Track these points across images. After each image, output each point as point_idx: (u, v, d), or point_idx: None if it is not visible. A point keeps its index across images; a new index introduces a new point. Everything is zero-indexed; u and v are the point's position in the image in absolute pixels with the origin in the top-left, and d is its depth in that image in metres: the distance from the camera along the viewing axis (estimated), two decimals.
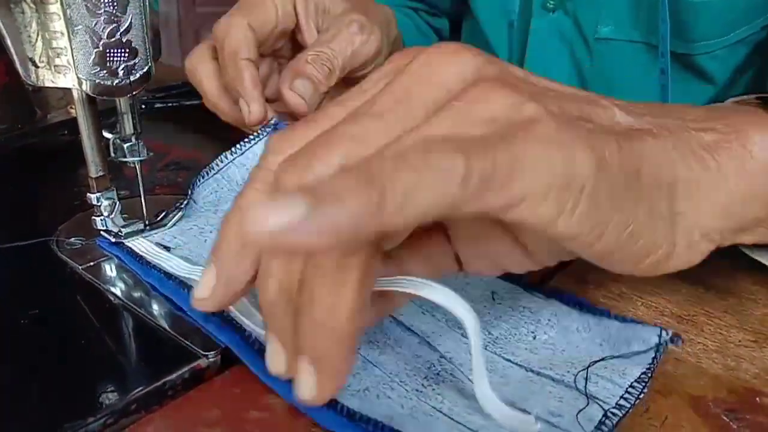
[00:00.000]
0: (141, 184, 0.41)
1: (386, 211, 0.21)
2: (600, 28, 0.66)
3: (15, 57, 0.36)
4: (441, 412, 0.29)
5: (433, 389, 0.30)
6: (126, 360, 0.32)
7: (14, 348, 0.33)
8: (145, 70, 0.38)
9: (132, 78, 0.37)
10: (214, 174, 0.45)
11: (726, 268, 0.41)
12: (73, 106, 0.62)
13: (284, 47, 0.57)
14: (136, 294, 0.37)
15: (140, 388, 0.30)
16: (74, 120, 0.58)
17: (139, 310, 0.35)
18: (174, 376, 0.30)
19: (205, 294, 0.30)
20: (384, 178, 0.22)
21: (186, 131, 0.62)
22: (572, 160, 0.25)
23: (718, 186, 0.31)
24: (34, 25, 0.35)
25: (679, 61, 0.64)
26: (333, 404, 0.28)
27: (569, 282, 0.39)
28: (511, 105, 0.26)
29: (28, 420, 0.28)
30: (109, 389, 0.30)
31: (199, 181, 0.45)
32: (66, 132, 0.58)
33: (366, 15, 0.54)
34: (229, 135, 0.61)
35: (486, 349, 0.33)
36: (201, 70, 0.53)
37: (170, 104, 0.66)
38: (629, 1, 0.64)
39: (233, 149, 0.46)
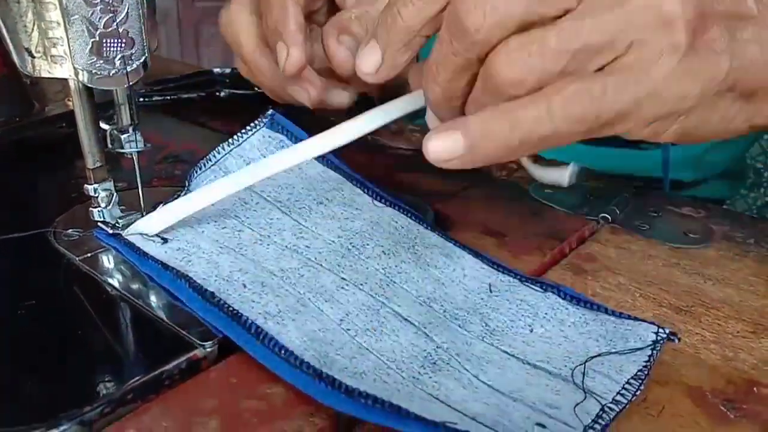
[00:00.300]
0: (138, 176, 0.41)
1: None
2: None
3: (11, 47, 0.36)
4: (438, 399, 0.29)
5: (430, 377, 0.30)
6: (123, 350, 0.32)
7: (11, 338, 0.33)
8: (141, 60, 0.38)
9: (129, 68, 0.37)
10: (212, 165, 0.45)
11: (725, 259, 0.41)
12: (71, 99, 0.62)
13: (320, 11, 0.53)
14: (134, 285, 0.37)
15: (137, 378, 0.30)
16: (72, 112, 0.59)
17: (136, 300, 0.35)
18: (171, 366, 0.30)
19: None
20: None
21: (184, 124, 0.62)
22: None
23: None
24: (30, 14, 0.35)
25: None
26: (331, 382, 0.28)
27: (567, 273, 0.39)
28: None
29: (25, 409, 0.28)
30: (106, 379, 0.30)
31: (197, 172, 0.45)
32: (64, 124, 0.58)
33: None
34: (227, 128, 0.61)
35: (483, 340, 0.33)
36: (240, 21, 0.49)
37: (169, 97, 0.66)
38: None
39: (230, 140, 0.46)
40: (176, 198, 0.42)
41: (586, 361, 0.31)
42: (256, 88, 0.69)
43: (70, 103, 0.60)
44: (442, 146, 0.30)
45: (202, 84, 0.69)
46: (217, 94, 0.67)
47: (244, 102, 0.68)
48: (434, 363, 0.31)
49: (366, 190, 0.45)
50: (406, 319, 0.34)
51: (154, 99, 0.65)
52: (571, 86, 0.29)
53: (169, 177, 0.50)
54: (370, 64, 0.35)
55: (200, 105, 0.67)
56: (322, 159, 0.46)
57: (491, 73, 0.30)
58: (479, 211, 0.45)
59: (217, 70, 0.73)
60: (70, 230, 0.42)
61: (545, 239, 0.42)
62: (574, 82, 0.29)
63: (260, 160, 0.42)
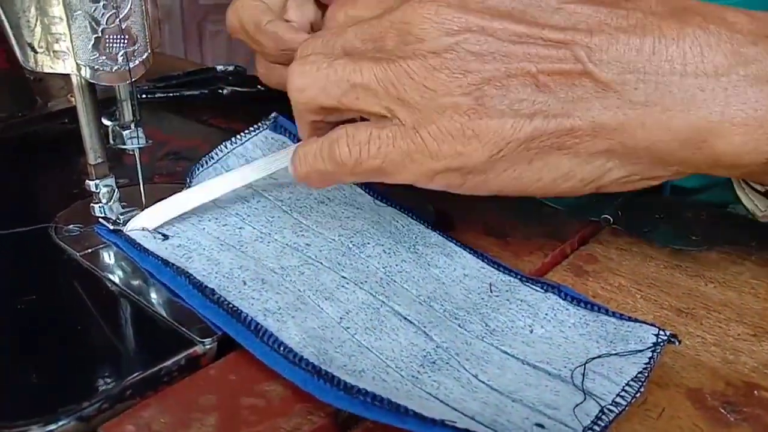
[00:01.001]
0: (140, 172, 0.41)
1: None
2: None
3: (14, 42, 0.36)
4: (437, 398, 0.29)
5: (429, 376, 0.30)
6: (122, 346, 0.32)
7: (10, 333, 0.33)
8: (144, 57, 0.38)
9: (131, 64, 0.37)
10: (213, 163, 0.45)
11: (726, 261, 0.40)
12: (74, 95, 0.62)
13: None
14: (134, 281, 0.37)
15: (136, 374, 0.29)
16: (75, 108, 0.59)
17: (136, 296, 0.35)
18: (170, 362, 0.30)
19: None
20: None
21: (186, 121, 0.62)
22: (460, 156, 0.32)
23: (668, 146, 0.32)
24: (33, 10, 0.35)
25: None
26: (330, 379, 0.28)
27: (567, 274, 0.39)
28: (441, 87, 0.31)
29: (24, 404, 0.28)
30: (104, 375, 0.30)
31: (198, 169, 0.45)
32: (67, 120, 0.58)
33: None
34: (229, 125, 0.61)
35: (483, 340, 0.33)
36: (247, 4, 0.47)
37: (171, 94, 0.66)
38: None
39: (233, 139, 0.46)
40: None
41: (586, 362, 0.31)
42: (258, 86, 0.69)
43: (73, 100, 0.60)
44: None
45: (205, 81, 0.69)
46: (220, 91, 0.67)
47: (247, 100, 0.68)
48: (434, 362, 0.31)
49: (367, 190, 0.45)
50: (405, 318, 0.34)
51: (157, 96, 0.65)
52: (339, 131, 0.34)
53: (171, 174, 0.50)
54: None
55: (203, 102, 0.67)
56: None
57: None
58: (480, 211, 0.45)
59: (220, 67, 0.73)
60: (71, 225, 0.42)
61: (547, 240, 0.42)
62: (345, 128, 0.34)
63: (261, 159, 0.42)
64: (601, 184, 0.34)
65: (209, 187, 0.41)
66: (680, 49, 0.31)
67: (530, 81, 0.31)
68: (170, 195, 0.42)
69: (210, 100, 0.67)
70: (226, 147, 0.46)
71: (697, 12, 0.32)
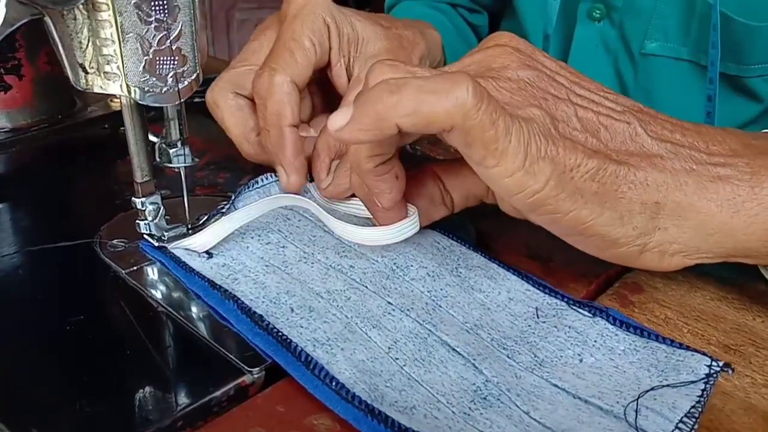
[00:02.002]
0: (185, 189, 0.41)
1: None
2: (647, 42, 0.64)
3: (65, 62, 0.36)
4: None
5: (481, 413, 0.30)
6: (171, 373, 0.32)
7: (59, 357, 0.33)
8: (193, 77, 0.38)
9: (181, 85, 0.37)
10: (258, 188, 0.46)
11: None
12: (114, 99, 0.62)
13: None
14: (180, 302, 0.37)
15: (186, 405, 0.30)
16: (115, 114, 0.59)
17: (183, 320, 0.35)
18: (219, 392, 0.31)
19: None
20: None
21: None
22: (540, 160, 0.33)
23: (711, 216, 0.35)
24: (85, 31, 0.35)
25: (727, 82, 0.62)
26: (384, 419, 0.28)
27: (613, 304, 0.39)
28: (523, 101, 0.35)
29: None
30: (155, 404, 0.30)
31: (243, 191, 0.45)
32: (107, 126, 0.58)
33: (404, 53, 0.52)
34: None
35: (533, 372, 0.33)
36: (225, 106, 0.48)
37: None
38: (680, 16, 0.62)
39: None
40: (220, 212, 0.42)
41: (639, 397, 0.31)
42: None
43: (113, 104, 0.61)
44: (338, 118, 0.33)
45: None
46: None
47: None
48: (485, 398, 0.31)
49: None
50: (454, 350, 0.33)
51: (195, 101, 0.65)
52: (457, 73, 0.32)
53: (212, 185, 0.50)
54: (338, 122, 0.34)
55: None
56: None
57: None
58: (522, 233, 0.44)
59: None
60: (116, 240, 0.42)
61: (590, 265, 0.41)
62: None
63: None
64: (648, 242, 0.36)
65: (256, 209, 0.41)
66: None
67: (593, 126, 0.36)
68: (214, 210, 0.43)
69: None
70: (269, 177, 0.46)
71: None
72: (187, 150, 0.40)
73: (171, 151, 0.40)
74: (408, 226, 0.39)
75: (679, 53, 0.63)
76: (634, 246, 0.36)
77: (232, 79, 0.48)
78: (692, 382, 0.31)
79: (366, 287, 0.38)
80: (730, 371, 0.32)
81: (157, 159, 0.40)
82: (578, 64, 0.68)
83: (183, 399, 0.30)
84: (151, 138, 0.40)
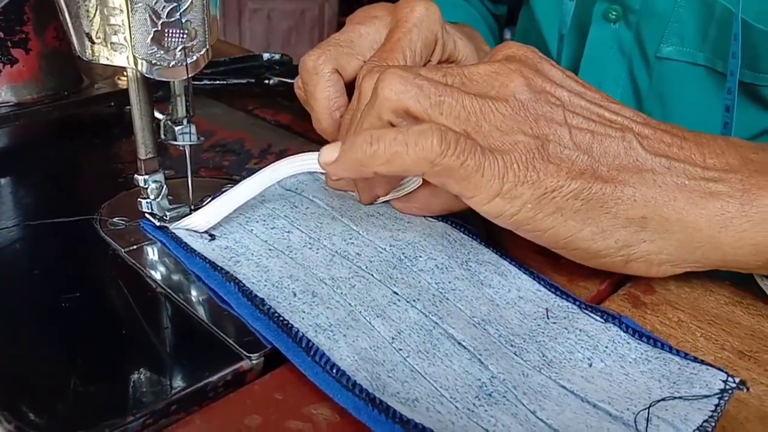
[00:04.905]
0: (189, 169, 0.40)
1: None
2: (662, 46, 0.62)
3: (72, 31, 0.35)
4: None
5: (485, 410, 0.29)
6: (167, 356, 0.31)
7: (54, 335, 0.32)
8: (202, 52, 0.37)
9: (189, 60, 0.36)
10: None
11: None
12: (121, 77, 0.61)
13: None
14: (180, 284, 0.36)
15: (181, 388, 0.29)
16: (122, 92, 0.58)
17: (182, 302, 0.34)
18: (216, 377, 0.30)
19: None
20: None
21: (232, 111, 0.61)
22: (519, 185, 0.35)
23: (698, 230, 0.36)
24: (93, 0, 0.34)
25: (742, 90, 0.60)
26: (385, 409, 0.27)
27: (625, 304, 0.38)
28: (513, 127, 0.36)
29: (67, 414, 0.27)
30: (149, 387, 0.29)
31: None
32: (113, 104, 0.57)
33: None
34: (275, 117, 0.60)
35: (540, 372, 0.31)
36: (321, 84, 0.46)
37: (218, 82, 0.65)
38: (698, 21, 0.60)
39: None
40: (223, 193, 0.41)
41: (650, 406, 0.29)
42: None
43: (120, 82, 0.60)
44: (327, 152, 0.36)
45: (250, 69, 0.68)
46: (266, 81, 0.66)
47: (293, 91, 0.66)
48: (490, 395, 0.30)
49: None
50: (459, 343, 0.32)
51: (203, 83, 0.64)
52: (428, 125, 0.34)
53: (218, 168, 0.49)
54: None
55: (248, 91, 0.66)
56: None
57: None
58: None
59: (266, 55, 0.72)
60: (116, 219, 0.41)
61: None
62: (434, 125, 0.35)
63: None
64: (632, 253, 0.37)
65: (260, 180, 0.40)
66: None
67: (586, 143, 0.36)
68: (217, 192, 0.41)
69: (256, 89, 0.66)
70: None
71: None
72: (192, 128, 0.39)
73: (176, 128, 0.39)
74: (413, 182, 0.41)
75: (695, 58, 0.62)
76: (618, 257, 0.37)
77: (335, 56, 0.46)
78: (706, 396, 0.30)
79: (372, 275, 0.36)
80: (746, 389, 0.30)
81: (162, 137, 0.39)
82: (592, 66, 0.67)
83: (178, 382, 0.29)
84: (157, 115, 0.39)
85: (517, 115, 0.36)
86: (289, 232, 0.40)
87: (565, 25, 0.67)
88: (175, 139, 0.39)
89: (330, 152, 0.36)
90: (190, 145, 0.39)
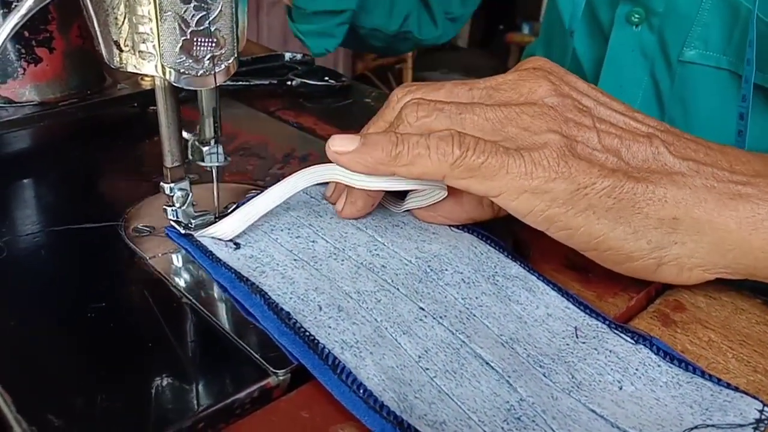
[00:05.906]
0: (216, 186, 0.40)
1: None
2: (685, 50, 0.61)
3: (100, 38, 0.35)
4: None
5: None
6: (193, 371, 0.31)
7: (80, 347, 0.32)
8: (230, 61, 0.36)
9: (217, 69, 0.36)
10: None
11: None
12: (144, 78, 0.61)
13: None
14: (205, 294, 0.35)
15: (208, 405, 0.28)
16: (145, 92, 0.58)
17: (207, 313, 0.34)
18: (243, 394, 0.29)
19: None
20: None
21: (254, 113, 0.61)
22: (550, 181, 0.35)
23: (729, 233, 0.36)
24: (122, 7, 0.34)
25: (761, 93, 0.59)
26: (411, 430, 0.27)
27: (655, 322, 0.37)
28: (542, 126, 0.36)
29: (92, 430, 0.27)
30: (176, 403, 0.29)
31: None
32: (136, 104, 0.57)
33: None
34: (297, 119, 0.59)
35: (570, 395, 0.31)
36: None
37: (240, 83, 0.64)
38: (723, 25, 0.59)
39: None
40: (248, 200, 0.41)
41: None
42: (326, 78, 0.67)
43: (144, 82, 0.60)
44: (341, 142, 0.36)
45: (273, 70, 0.68)
46: (289, 83, 0.66)
47: (315, 93, 0.66)
48: (518, 418, 0.29)
49: None
50: (488, 364, 0.32)
51: (225, 83, 0.63)
52: (448, 131, 0.36)
53: (242, 172, 0.49)
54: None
55: (270, 92, 0.65)
56: None
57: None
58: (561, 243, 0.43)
59: (288, 55, 0.71)
60: (141, 225, 0.41)
61: (630, 279, 0.40)
62: (454, 130, 0.36)
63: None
64: (663, 255, 0.37)
65: (285, 187, 0.39)
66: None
67: (615, 147, 0.37)
68: (242, 199, 0.41)
69: (278, 89, 0.66)
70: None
71: None
72: (220, 149, 0.39)
73: (204, 149, 0.39)
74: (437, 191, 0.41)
75: (719, 62, 0.61)
76: (650, 259, 0.37)
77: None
78: (740, 425, 0.29)
79: (397, 289, 0.36)
80: None
81: (189, 157, 0.39)
82: (613, 69, 0.66)
83: (205, 399, 0.29)
84: (185, 135, 0.39)
85: (546, 115, 0.37)
86: (314, 241, 0.39)
87: (576, 18, 0.66)
88: (203, 160, 0.39)
89: (344, 143, 0.36)
90: (218, 166, 0.39)
